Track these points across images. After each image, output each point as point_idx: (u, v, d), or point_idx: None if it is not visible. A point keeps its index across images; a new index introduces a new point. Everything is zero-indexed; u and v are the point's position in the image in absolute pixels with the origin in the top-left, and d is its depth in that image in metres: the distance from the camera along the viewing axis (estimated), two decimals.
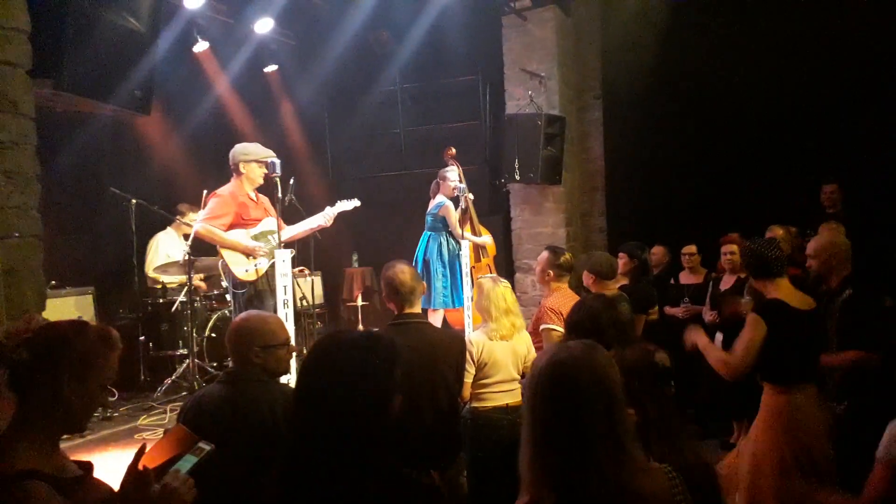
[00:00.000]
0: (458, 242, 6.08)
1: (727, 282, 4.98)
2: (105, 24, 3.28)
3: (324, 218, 5.04)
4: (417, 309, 3.19)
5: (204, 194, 5.06)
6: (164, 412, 5.33)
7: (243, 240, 4.74)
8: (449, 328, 5.77)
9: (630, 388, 1.95)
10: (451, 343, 3.22)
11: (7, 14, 2.62)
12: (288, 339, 2.55)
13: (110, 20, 3.32)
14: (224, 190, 4.84)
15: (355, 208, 5.19)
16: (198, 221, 4.81)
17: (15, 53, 2.65)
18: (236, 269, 4.71)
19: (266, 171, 4.79)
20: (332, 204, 5.17)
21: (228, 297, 5.28)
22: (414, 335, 3.05)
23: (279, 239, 4.56)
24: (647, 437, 1.95)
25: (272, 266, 4.75)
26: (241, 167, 4.82)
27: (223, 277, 4.91)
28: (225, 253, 4.73)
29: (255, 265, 4.74)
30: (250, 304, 4.63)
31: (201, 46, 7.06)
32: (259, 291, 4.73)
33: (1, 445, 1.61)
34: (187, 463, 1.72)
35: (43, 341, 1.63)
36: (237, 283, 4.75)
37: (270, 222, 4.89)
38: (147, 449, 1.78)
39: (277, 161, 4.58)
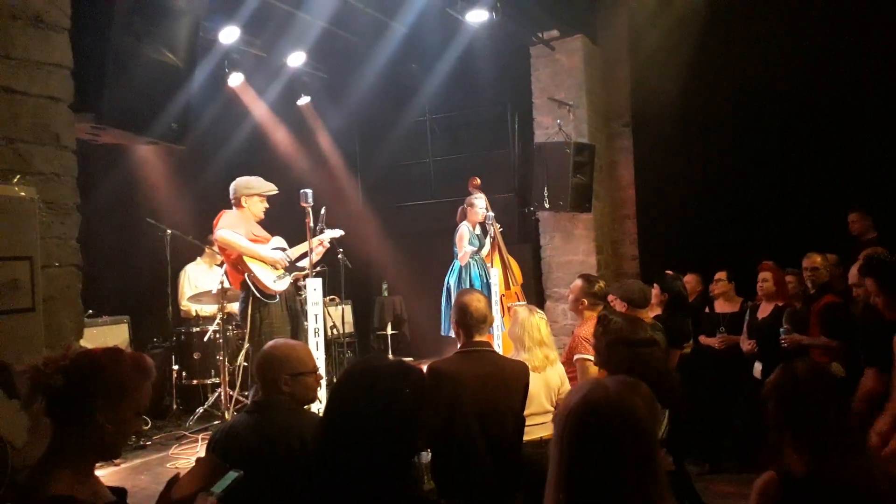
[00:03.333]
0: (487, 270, 6.06)
1: (765, 310, 4.87)
2: (144, 59, 3.37)
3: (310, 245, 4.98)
4: (485, 337, 3.18)
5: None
6: (196, 441, 5.34)
7: (264, 249, 4.76)
8: None
9: (803, 403, 1.91)
10: (519, 370, 3.17)
11: (51, 51, 2.70)
12: (316, 366, 2.55)
13: (149, 55, 3.40)
14: (232, 213, 4.89)
15: (341, 237, 5.29)
16: (219, 229, 4.79)
17: (58, 88, 2.73)
18: (266, 280, 4.70)
19: (267, 206, 4.87)
20: (358, 236, 5.23)
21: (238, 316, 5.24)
22: (483, 363, 3.05)
23: (311, 266, 4.57)
24: (814, 450, 1.86)
25: (288, 290, 4.82)
26: (244, 201, 4.86)
27: (247, 291, 4.78)
28: (252, 265, 4.71)
29: (282, 276, 4.76)
30: (269, 329, 4.63)
31: (236, 79, 7.23)
32: (276, 316, 4.74)
33: (37, 471, 1.62)
34: (217, 490, 1.72)
35: (79, 368, 1.65)
36: (266, 294, 4.71)
37: (279, 240, 4.94)
38: (179, 478, 1.78)
39: (310, 191, 4.59)
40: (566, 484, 1.46)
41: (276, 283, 4.71)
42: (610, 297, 4.13)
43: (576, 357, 3.79)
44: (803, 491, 1.78)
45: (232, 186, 4.93)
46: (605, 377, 1.58)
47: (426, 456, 3.18)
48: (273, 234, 5.08)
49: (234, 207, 4.90)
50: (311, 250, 4.65)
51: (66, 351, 1.68)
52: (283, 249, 4.91)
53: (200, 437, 5.40)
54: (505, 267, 6.49)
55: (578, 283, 4.06)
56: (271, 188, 4.92)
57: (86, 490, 1.62)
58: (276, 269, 4.77)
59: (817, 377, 1.98)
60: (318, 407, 3.66)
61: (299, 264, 4.99)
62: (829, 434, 1.86)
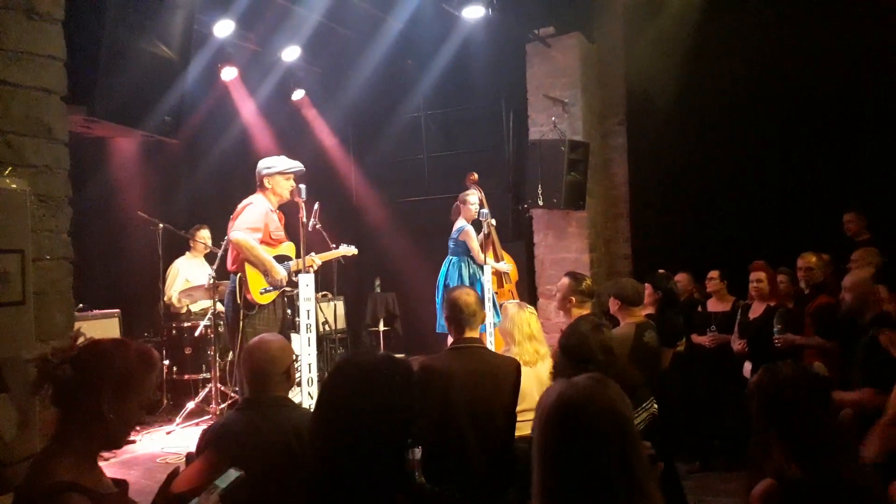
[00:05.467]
0: (480, 267, 6.05)
1: (756, 310, 4.89)
2: (138, 51, 3.35)
3: (337, 255, 5.15)
4: (476, 334, 3.19)
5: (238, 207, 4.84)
6: (186, 436, 5.33)
7: (274, 263, 4.60)
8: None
9: (789, 404, 1.89)
10: (509, 366, 3.18)
11: (44, 42, 2.68)
12: (293, 354, 2.58)
13: (143, 48, 3.38)
14: (257, 200, 4.70)
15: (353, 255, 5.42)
16: (237, 230, 4.60)
17: (51, 80, 2.70)
18: (254, 289, 4.55)
19: (293, 183, 4.68)
20: (352, 232, 5.21)
21: (223, 315, 5.15)
22: (474, 359, 3.07)
23: (304, 264, 4.49)
24: (808, 453, 1.83)
25: (281, 293, 4.69)
26: (266, 181, 4.70)
27: (237, 296, 4.65)
28: (249, 269, 4.56)
29: (269, 289, 4.60)
30: (252, 329, 4.46)
31: (230, 73, 7.20)
32: (264, 318, 4.60)
33: (41, 459, 1.64)
34: (221, 485, 1.73)
35: (87, 359, 1.67)
36: (248, 304, 4.55)
37: (290, 247, 4.82)
38: (179, 473, 1.79)
39: (303, 186, 4.51)
40: (554, 485, 1.45)
41: (264, 294, 4.57)
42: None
43: None
44: (801, 494, 1.77)
45: (256, 169, 4.79)
46: (576, 377, 1.57)
47: (417, 452, 3.18)
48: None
49: (258, 191, 4.74)
50: (303, 251, 4.55)
51: (74, 341, 1.69)
52: (288, 259, 4.75)
53: (191, 432, 5.39)
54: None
55: (565, 281, 4.06)
56: (293, 165, 4.73)
57: (89, 479, 1.63)
58: (269, 280, 4.61)
59: (802, 378, 1.95)
60: (301, 400, 3.67)
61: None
62: (817, 435, 1.85)
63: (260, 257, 4.56)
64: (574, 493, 1.43)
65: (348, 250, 5.35)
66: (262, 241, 4.64)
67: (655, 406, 2.84)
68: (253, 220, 4.61)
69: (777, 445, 1.89)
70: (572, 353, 2.75)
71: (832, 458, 1.82)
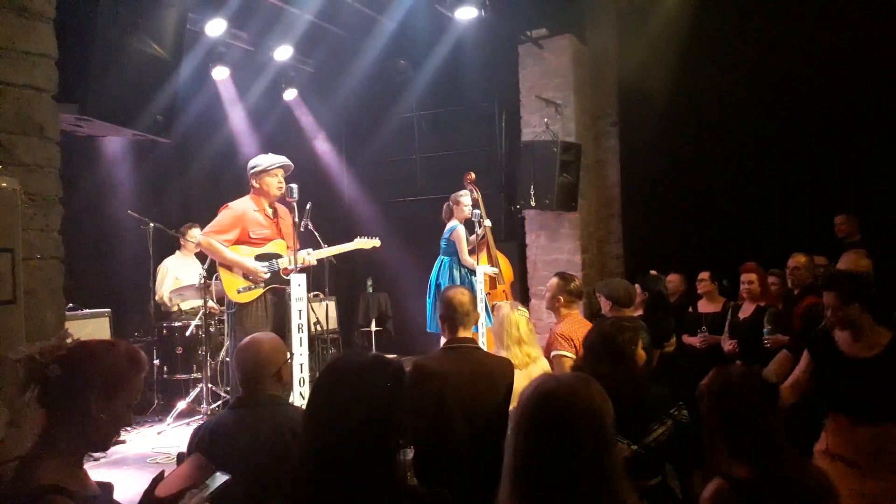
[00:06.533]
0: (472, 269, 6.05)
1: (746, 310, 4.92)
2: (130, 50, 3.34)
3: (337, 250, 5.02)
4: (469, 333, 3.18)
5: None
6: (177, 436, 5.31)
7: (247, 260, 4.55)
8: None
9: (735, 406, 1.94)
10: (503, 367, 3.18)
11: (35, 40, 2.66)
12: (286, 353, 2.57)
13: (135, 47, 3.37)
14: (237, 203, 4.67)
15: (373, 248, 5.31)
16: (203, 233, 4.65)
17: (42, 79, 2.68)
18: (229, 290, 4.52)
19: (281, 179, 4.66)
20: (350, 232, 5.19)
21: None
22: (468, 359, 3.06)
23: (295, 262, 4.46)
24: (756, 453, 1.87)
25: (271, 291, 4.59)
26: (254, 181, 4.68)
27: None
28: (222, 270, 4.56)
29: (250, 287, 4.53)
30: (242, 329, 4.41)
31: (221, 72, 7.18)
32: (253, 316, 4.53)
33: (27, 460, 1.64)
34: (209, 486, 1.73)
35: (75, 359, 1.66)
36: (230, 303, 4.57)
37: (279, 245, 4.73)
38: (165, 476, 1.78)
39: (294, 186, 4.49)
40: (523, 475, 1.49)
41: (242, 293, 4.53)
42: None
43: (552, 353, 3.82)
44: (750, 494, 1.81)
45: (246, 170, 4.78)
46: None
47: (409, 453, 3.18)
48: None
49: (250, 190, 4.74)
50: (295, 250, 4.52)
51: (62, 341, 1.68)
52: (278, 256, 4.67)
53: (181, 432, 5.37)
54: (493, 265, 6.47)
55: (555, 281, 4.09)
56: (277, 161, 4.68)
57: (75, 481, 1.62)
58: (250, 279, 4.56)
59: (749, 381, 2.02)
60: (293, 400, 3.66)
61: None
62: (764, 436, 1.89)
63: (226, 258, 4.54)
64: (545, 483, 1.46)
65: (367, 242, 5.26)
66: (239, 242, 4.60)
67: (685, 412, 2.84)
68: (220, 222, 4.60)
69: (725, 446, 1.94)
70: (595, 351, 2.76)
71: (779, 459, 1.86)
